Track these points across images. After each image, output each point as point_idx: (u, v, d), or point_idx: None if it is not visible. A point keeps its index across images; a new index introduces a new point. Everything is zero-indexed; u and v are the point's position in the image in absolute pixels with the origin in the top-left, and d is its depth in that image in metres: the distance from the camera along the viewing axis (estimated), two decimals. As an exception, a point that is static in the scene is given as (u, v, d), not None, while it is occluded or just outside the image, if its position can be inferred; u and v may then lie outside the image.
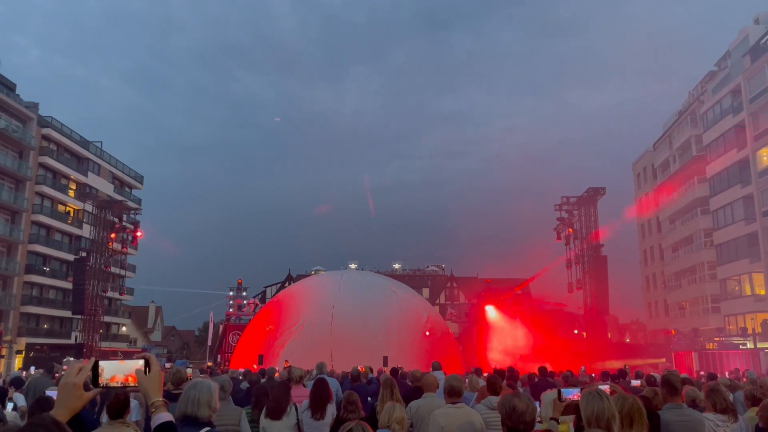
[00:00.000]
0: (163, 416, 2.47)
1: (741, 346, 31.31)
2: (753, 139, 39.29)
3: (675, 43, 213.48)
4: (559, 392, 4.47)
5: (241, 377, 13.31)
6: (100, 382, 2.31)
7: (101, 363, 2.34)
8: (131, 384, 2.37)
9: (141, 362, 2.39)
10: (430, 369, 12.10)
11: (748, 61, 40.75)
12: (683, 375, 11.73)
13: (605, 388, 4.29)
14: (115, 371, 2.35)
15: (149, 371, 2.40)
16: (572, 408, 4.29)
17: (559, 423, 4.34)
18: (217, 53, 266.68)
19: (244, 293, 44.20)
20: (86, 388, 2.29)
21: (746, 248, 39.60)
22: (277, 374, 13.55)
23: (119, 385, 2.36)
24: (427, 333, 26.26)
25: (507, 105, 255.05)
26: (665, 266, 54.58)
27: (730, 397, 7.16)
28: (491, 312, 36.21)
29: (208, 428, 3.84)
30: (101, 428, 4.76)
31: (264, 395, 7.33)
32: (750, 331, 32.78)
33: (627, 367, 20.45)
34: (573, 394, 4.41)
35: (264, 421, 6.69)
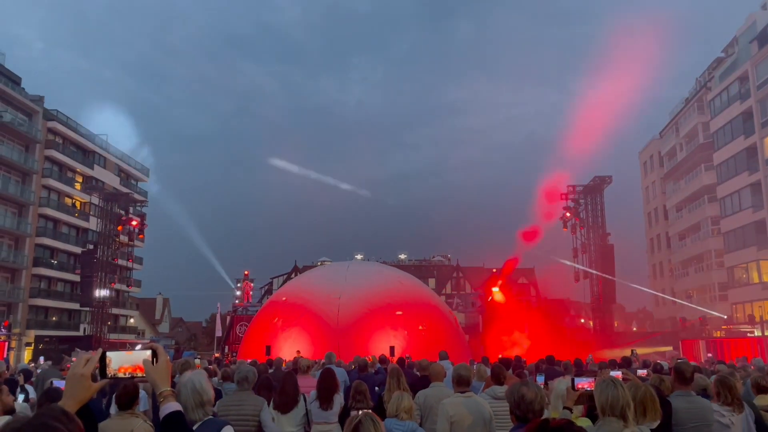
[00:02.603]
0: (172, 406, 2.46)
1: (748, 334, 31.24)
2: (761, 125, 38.99)
3: (681, 29, 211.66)
4: (572, 381, 4.43)
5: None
6: (107, 372, 2.31)
7: (108, 354, 2.33)
8: (139, 374, 2.36)
9: (148, 352, 2.38)
10: (437, 359, 12.10)
11: (755, 47, 40.37)
12: (692, 363, 11.69)
13: (617, 374, 4.27)
14: (123, 362, 2.35)
15: (157, 361, 2.39)
16: (585, 397, 4.26)
17: (572, 412, 4.31)
18: (220, 44, 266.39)
19: (238, 284, 44.33)
20: (94, 379, 2.28)
21: (754, 236, 39.42)
22: (284, 365, 13.58)
23: (127, 375, 2.35)
24: (421, 327, 26.23)
25: (511, 94, 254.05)
26: (672, 254, 54.42)
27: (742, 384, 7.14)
28: (498, 296, 35.87)
29: (208, 417, 3.81)
30: (110, 419, 4.77)
31: (266, 388, 7.32)
32: (757, 319, 32.69)
33: (634, 352, 20.35)
34: (584, 382, 4.38)
35: (273, 413, 6.70)
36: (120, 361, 2.34)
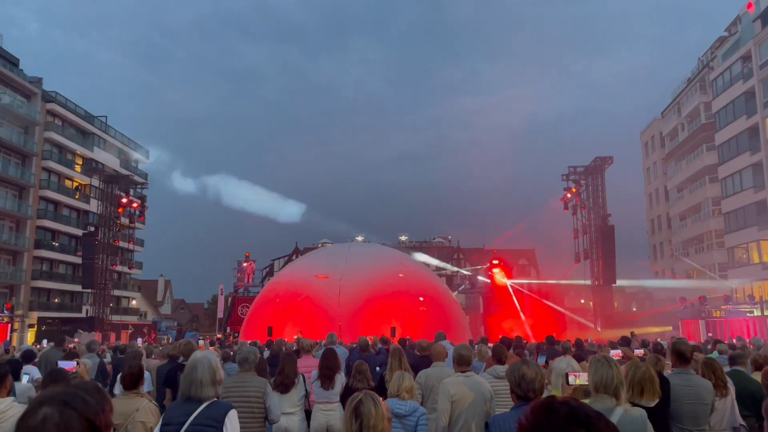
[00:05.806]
0: None
1: (748, 314, 31.32)
2: (763, 105, 38.78)
3: (684, 7, 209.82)
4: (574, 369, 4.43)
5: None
6: None
7: None
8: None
9: None
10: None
11: (758, 26, 40.02)
12: (691, 343, 11.78)
13: (616, 353, 4.29)
14: None
15: None
16: None
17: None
18: (218, 24, 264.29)
19: (239, 265, 44.36)
20: None
21: (754, 216, 39.42)
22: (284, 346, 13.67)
23: None
24: (421, 299, 26.38)
25: (511, 74, 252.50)
26: (673, 235, 54.47)
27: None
28: (499, 277, 35.64)
29: (212, 400, 3.81)
30: (116, 398, 4.82)
31: (260, 368, 7.36)
32: (757, 299, 32.75)
33: (633, 334, 20.49)
34: None
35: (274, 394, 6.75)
36: None
